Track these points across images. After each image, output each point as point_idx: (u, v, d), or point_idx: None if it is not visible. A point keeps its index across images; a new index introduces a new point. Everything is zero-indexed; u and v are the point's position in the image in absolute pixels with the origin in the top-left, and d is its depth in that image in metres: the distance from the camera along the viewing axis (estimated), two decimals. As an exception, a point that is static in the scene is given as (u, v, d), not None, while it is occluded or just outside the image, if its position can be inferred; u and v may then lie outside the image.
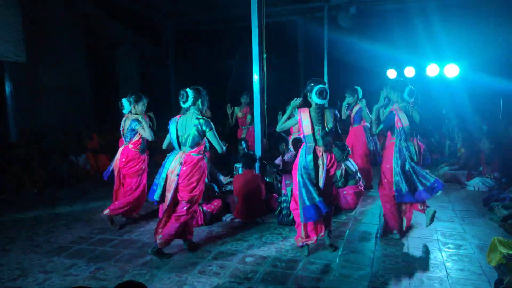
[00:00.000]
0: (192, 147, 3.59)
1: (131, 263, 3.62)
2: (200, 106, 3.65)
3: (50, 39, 8.67)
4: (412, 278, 3.18)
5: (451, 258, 3.54)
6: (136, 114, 4.54)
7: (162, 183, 3.60)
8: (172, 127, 3.63)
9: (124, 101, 4.62)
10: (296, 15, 11.04)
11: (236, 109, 7.19)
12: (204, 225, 4.57)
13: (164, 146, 3.79)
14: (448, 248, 3.78)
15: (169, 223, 3.64)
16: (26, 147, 7.07)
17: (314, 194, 3.48)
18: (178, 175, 3.55)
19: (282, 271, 3.37)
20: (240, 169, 5.19)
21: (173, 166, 3.59)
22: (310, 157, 3.54)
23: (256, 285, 3.12)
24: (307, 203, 3.49)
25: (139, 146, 4.57)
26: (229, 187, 5.42)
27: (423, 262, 3.47)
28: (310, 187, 3.51)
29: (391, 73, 9.69)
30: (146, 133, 4.41)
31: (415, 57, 9.66)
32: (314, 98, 3.60)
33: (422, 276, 3.21)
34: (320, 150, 3.58)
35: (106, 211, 4.47)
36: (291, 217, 4.49)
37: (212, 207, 4.71)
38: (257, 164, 5.03)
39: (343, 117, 6.09)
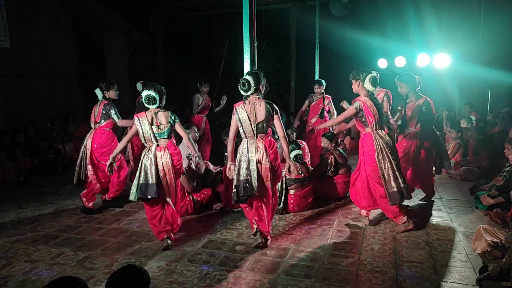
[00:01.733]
0: (267, 132, 3.54)
1: (119, 252, 3.59)
2: (262, 91, 3.55)
3: (35, 24, 8.41)
4: (399, 265, 3.23)
5: (437, 246, 3.59)
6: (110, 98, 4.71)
7: (255, 175, 3.42)
8: (243, 115, 3.48)
9: (97, 90, 4.72)
10: (288, 2, 10.93)
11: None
12: (194, 214, 4.55)
13: (232, 136, 3.62)
14: (435, 236, 3.83)
15: (269, 211, 3.58)
16: (11, 135, 6.91)
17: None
18: (269, 160, 3.48)
19: (271, 259, 3.38)
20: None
21: (259, 155, 3.46)
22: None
23: (246, 273, 3.13)
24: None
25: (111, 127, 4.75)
26: (219, 176, 5.39)
27: (410, 250, 3.52)
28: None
29: (382, 63, 9.68)
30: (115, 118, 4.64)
31: (405, 47, 9.66)
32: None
33: (409, 264, 3.25)
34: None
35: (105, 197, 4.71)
36: (280, 206, 4.51)
37: (202, 196, 4.69)
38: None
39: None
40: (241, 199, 3.48)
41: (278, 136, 3.68)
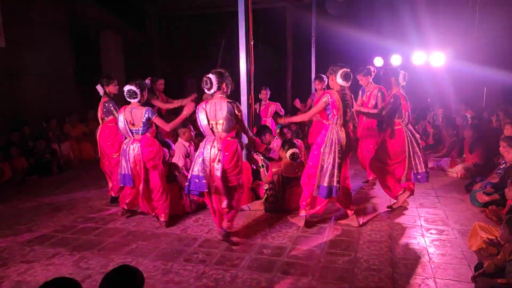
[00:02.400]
0: (227, 131, 3.54)
1: (116, 251, 3.57)
2: (226, 90, 3.57)
3: (30, 23, 8.35)
4: (396, 263, 3.24)
5: (433, 243, 3.61)
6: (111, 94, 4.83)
7: (208, 172, 3.51)
8: (202, 114, 3.52)
9: (98, 86, 4.84)
10: (284, 1, 10.92)
11: None
12: (191, 213, 4.54)
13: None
14: (431, 233, 3.85)
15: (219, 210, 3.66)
16: (6, 135, 6.87)
17: None
18: (222, 161, 3.50)
19: (268, 258, 3.39)
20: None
21: (213, 154, 3.50)
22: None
23: (243, 272, 3.13)
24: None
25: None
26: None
27: (406, 248, 3.53)
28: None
29: (378, 61, 9.71)
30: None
31: (401, 45, 9.70)
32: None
33: (405, 261, 3.26)
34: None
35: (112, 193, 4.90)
36: (277, 204, 4.51)
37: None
38: (243, 152, 5.00)
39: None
40: (190, 192, 3.63)
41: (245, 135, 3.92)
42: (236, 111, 3.50)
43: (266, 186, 4.62)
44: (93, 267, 3.28)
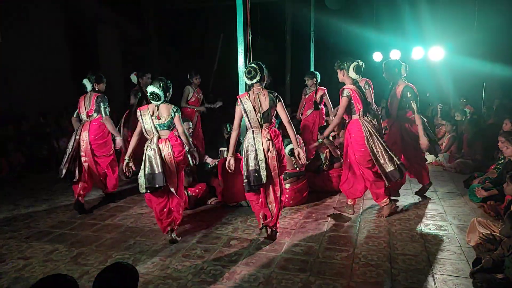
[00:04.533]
0: (271, 121, 3.54)
1: (114, 247, 3.57)
2: (266, 81, 3.55)
3: (26, 17, 8.28)
4: (394, 258, 3.24)
5: (431, 239, 3.61)
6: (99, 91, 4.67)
7: (264, 165, 3.42)
8: (248, 105, 3.45)
9: (86, 81, 4.65)
10: (282, -5, 10.84)
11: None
12: (189, 209, 4.54)
13: (236, 127, 3.63)
14: (429, 229, 3.85)
15: (278, 204, 3.55)
16: (3, 130, 6.83)
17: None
18: (275, 150, 3.48)
19: (266, 253, 3.38)
20: (225, 152, 5.12)
21: (265, 145, 3.46)
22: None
23: (241, 268, 3.13)
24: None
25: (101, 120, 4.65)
26: (214, 171, 5.37)
27: (404, 243, 3.53)
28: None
29: (377, 56, 9.67)
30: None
31: (400, 40, 9.66)
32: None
33: (403, 257, 3.26)
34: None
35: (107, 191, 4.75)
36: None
37: (197, 190, 4.68)
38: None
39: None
40: (253, 188, 3.48)
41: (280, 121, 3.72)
42: (277, 100, 3.49)
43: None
44: (91, 263, 3.27)
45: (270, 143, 3.47)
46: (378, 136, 3.87)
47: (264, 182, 3.44)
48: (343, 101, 3.87)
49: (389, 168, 3.86)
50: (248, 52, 4.97)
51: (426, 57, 8.80)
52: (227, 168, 3.65)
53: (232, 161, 3.61)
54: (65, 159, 4.51)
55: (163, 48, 11.83)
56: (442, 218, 4.14)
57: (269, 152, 3.47)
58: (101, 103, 4.57)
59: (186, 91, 6.49)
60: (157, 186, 3.48)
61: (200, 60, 11.73)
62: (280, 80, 11.87)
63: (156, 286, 2.89)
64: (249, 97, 3.47)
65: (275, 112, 3.54)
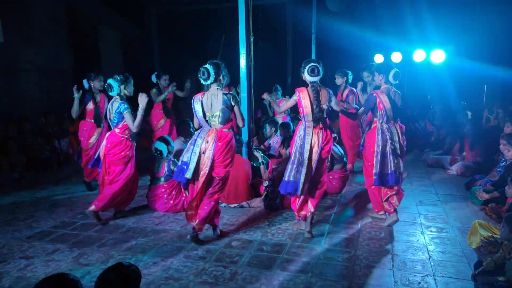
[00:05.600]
0: (223, 123, 3.52)
1: (115, 248, 3.57)
2: (222, 81, 3.55)
3: (29, 18, 8.30)
4: (395, 260, 3.24)
5: (433, 241, 3.61)
6: (125, 95, 4.20)
7: (195, 161, 3.46)
8: (198, 105, 3.50)
9: (112, 81, 4.13)
10: (284, -3, 10.87)
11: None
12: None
13: (196, 125, 3.71)
14: (431, 231, 3.85)
15: (203, 204, 3.56)
16: (5, 130, 6.84)
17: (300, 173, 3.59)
18: (213, 151, 3.46)
19: (267, 254, 3.38)
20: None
21: (206, 144, 3.48)
22: (309, 136, 3.58)
23: (242, 269, 3.13)
24: (287, 178, 3.65)
25: (126, 131, 4.12)
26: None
27: (406, 245, 3.53)
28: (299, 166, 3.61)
29: (378, 58, 9.69)
30: (130, 121, 4.02)
31: (402, 43, 9.68)
32: (307, 76, 3.62)
33: (405, 259, 3.27)
34: (317, 128, 3.62)
35: (92, 207, 4.05)
36: (277, 201, 4.51)
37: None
38: (244, 149, 4.99)
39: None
40: (176, 178, 3.61)
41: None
42: (232, 102, 3.49)
43: (265, 183, 4.62)
44: (93, 263, 3.27)
45: (212, 144, 3.45)
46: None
47: (189, 178, 3.46)
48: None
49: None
50: (250, 53, 4.99)
51: (428, 59, 8.82)
52: None
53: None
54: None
55: (164, 49, 11.85)
56: (443, 220, 4.14)
57: (205, 152, 3.46)
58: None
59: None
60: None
61: (201, 62, 11.75)
62: (282, 82, 11.88)
63: (157, 286, 2.90)
64: (202, 98, 3.52)
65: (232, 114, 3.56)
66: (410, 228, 3.94)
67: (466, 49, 8.79)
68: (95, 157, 4.51)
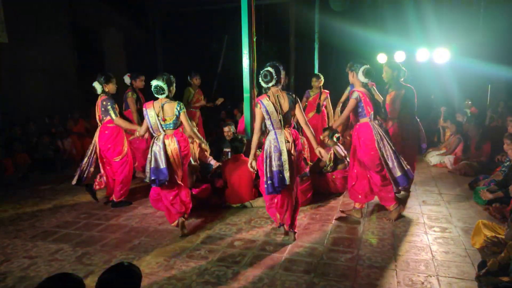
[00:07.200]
0: (290, 123, 3.56)
1: (118, 247, 3.58)
2: (282, 83, 3.56)
3: (32, 19, 8.36)
4: (398, 260, 3.23)
5: (436, 241, 3.59)
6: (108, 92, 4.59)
7: (287, 166, 3.42)
8: (270, 107, 3.43)
9: (95, 84, 4.55)
10: (287, -3, 10.85)
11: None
12: (192, 209, 4.53)
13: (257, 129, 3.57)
14: (434, 231, 3.83)
15: (291, 202, 3.55)
16: (10, 131, 6.89)
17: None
18: (295, 151, 3.51)
19: (270, 254, 3.38)
20: (229, 153, 5.13)
21: (289, 145, 3.46)
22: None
23: (245, 269, 3.13)
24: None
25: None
26: (218, 172, 5.38)
27: (409, 245, 3.52)
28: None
29: (381, 58, 9.64)
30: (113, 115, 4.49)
31: (405, 42, 9.63)
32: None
33: (408, 259, 3.25)
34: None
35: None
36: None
37: (201, 191, 4.68)
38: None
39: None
40: (276, 189, 3.44)
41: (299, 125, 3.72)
42: (296, 102, 3.52)
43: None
44: (95, 263, 3.28)
45: (293, 144, 3.49)
46: (388, 140, 3.87)
47: (287, 183, 3.42)
48: (351, 103, 3.86)
49: (398, 173, 3.86)
50: (253, 53, 4.98)
51: (431, 59, 8.77)
52: (250, 169, 3.65)
53: (254, 164, 3.63)
54: (82, 165, 4.64)
55: (168, 50, 11.87)
56: (447, 220, 4.12)
57: (291, 153, 3.48)
58: (107, 105, 4.50)
59: (186, 92, 6.51)
60: (161, 179, 3.65)
61: (204, 62, 11.78)
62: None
63: (160, 286, 2.90)
64: (269, 99, 3.47)
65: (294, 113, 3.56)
66: (413, 228, 3.92)
67: (470, 48, 8.73)
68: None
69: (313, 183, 4.83)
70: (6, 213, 4.57)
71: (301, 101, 6.70)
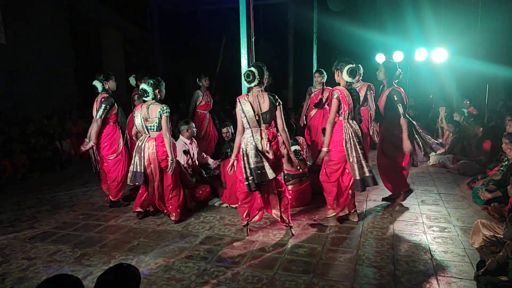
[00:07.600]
0: (269, 123, 3.56)
1: (117, 248, 3.58)
2: (265, 83, 3.57)
3: (31, 20, 8.35)
4: (397, 260, 3.23)
5: (435, 241, 3.60)
6: (109, 90, 4.62)
7: (266, 163, 3.42)
8: (246, 105, 3.47)
9: (96, 82, 4.58)
10: (285, -3, 10.87)
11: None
12: (192, 210, 4.54)
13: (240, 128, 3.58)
14: (433, 231, 3.84)
15: (285, 199, 3.63)
16: (8, 131, 6.87)
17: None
18: (271, 150, 3.51)
19: (269, 255, 3.38)
20: (229, 154, 5.12)
21: (264, 144, 3.48)
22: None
23: (244, 269, 3.13)
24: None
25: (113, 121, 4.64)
26: (217, 172, 5.38)
27: (408, 245, 3.52)
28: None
29: (380, 58, 9.66)
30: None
31: (403, 42, 9.65)
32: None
33: (407, 259, 3.26)
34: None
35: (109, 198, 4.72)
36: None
37: (200, 192, 4.68)
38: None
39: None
40: (258, 186, 3.44)
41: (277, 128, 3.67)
42: (276, 103, 3.52)
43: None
44: (94, 264, 3.28)
45: (268, 144, 3.49)
46: (356, 142, 3.78)
47: (270, 178, 3.43)
48: (333, 104, 3.82)
49: (355, 176, 3.79)
50: (251, 54, 4.98)
51: (429, 58, 8.80)
52: (228, 171, 3.69)
53: (235, 163, 3.64)
54: (93, 160, 4.89)
55: (166, 50, 11.87)
56: (445, 220, 4.12)
57: (267, 153, 3.48)
58: (102, 104, 4.46)
59: (195, 94, 6.50)
60: (137, 183, 3.99)
61: (203, 62, 11.78)
62: (283, 82, 11.88)
63: (159, 287, 2.90)
64: (247, 98, 3.51)
65: (275, 114, 3.55)
66: (412, 227, 3.93)
67: (468, 48, 8.75)
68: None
69: (312, 183, 4.83)
70: (5, 214, 4.56)
71: (300, 100, 6.74)
